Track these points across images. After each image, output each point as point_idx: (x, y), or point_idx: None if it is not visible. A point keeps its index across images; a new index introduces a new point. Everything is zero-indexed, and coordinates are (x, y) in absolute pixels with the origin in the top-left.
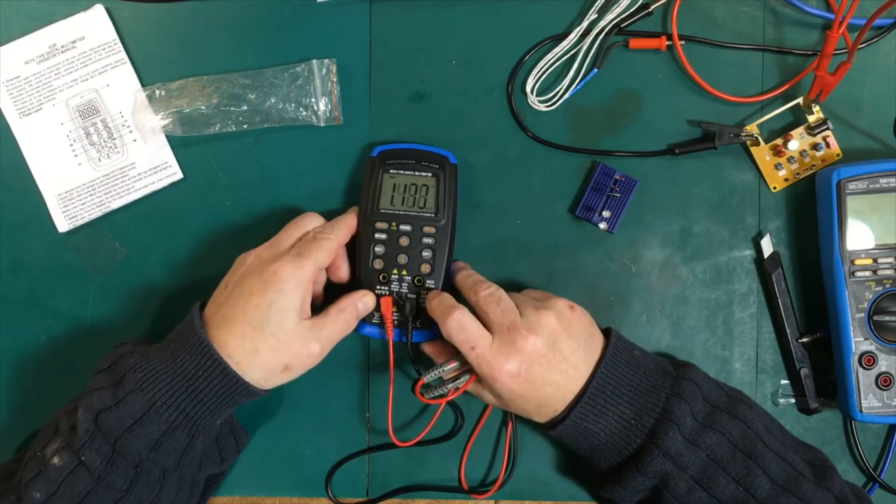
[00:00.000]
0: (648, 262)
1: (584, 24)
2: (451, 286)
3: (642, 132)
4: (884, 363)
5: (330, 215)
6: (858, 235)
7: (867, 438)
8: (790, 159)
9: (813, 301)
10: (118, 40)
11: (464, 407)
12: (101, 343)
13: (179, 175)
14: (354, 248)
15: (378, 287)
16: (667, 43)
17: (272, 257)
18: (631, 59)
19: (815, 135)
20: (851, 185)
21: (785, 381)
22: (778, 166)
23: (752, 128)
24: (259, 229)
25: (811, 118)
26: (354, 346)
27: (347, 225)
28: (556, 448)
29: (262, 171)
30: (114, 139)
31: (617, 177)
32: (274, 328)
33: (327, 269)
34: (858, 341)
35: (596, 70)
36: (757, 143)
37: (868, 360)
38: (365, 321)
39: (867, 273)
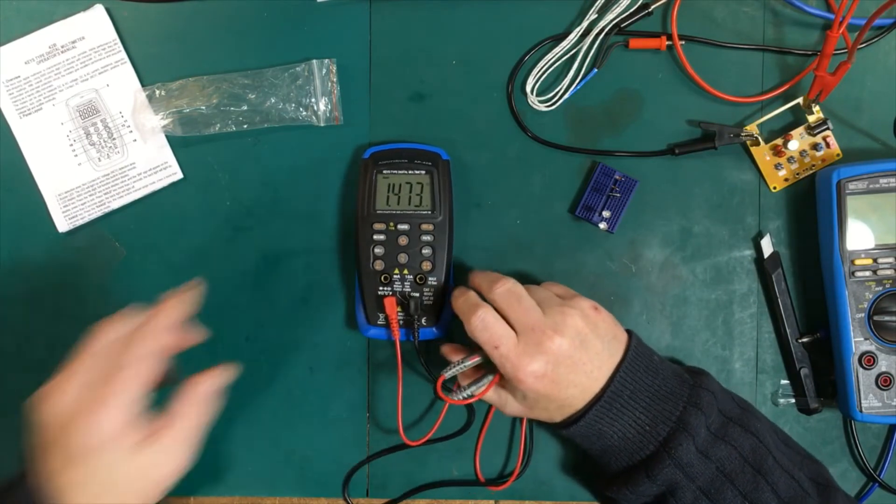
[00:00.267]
0: (648, 262)
1: (584, 24)
2: (451, 282)
3: (642, 132)
4: (884, 363)
5: (330, 215)
6: (858, 235)
7: (867, 438)
8: (790, 159)
9: (813, 301)
10: (118, 40)
11: (474, 403)
12: None
13: (179, 175)
14: (355, 251)
15: (380, 288)
16: (667, 43)
17: (69, 417)
18: (631, 59)
19: (815, 135)
20: (851, 185)
21: (785, 381)
22: (778, 166)
23: (752, 128)
24: (259, 229)
25: (811, 118)
26: (355, 347)
27: (160, 323)
28: (556, 448)
29: (262, 171)
30: (114, 139)
31: (617, 177)
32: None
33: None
34: (858, 341)
35: (596, 70)
36: (757, 143)
37: (868, 360)
38: (369, 323)
39: (867, 273)
